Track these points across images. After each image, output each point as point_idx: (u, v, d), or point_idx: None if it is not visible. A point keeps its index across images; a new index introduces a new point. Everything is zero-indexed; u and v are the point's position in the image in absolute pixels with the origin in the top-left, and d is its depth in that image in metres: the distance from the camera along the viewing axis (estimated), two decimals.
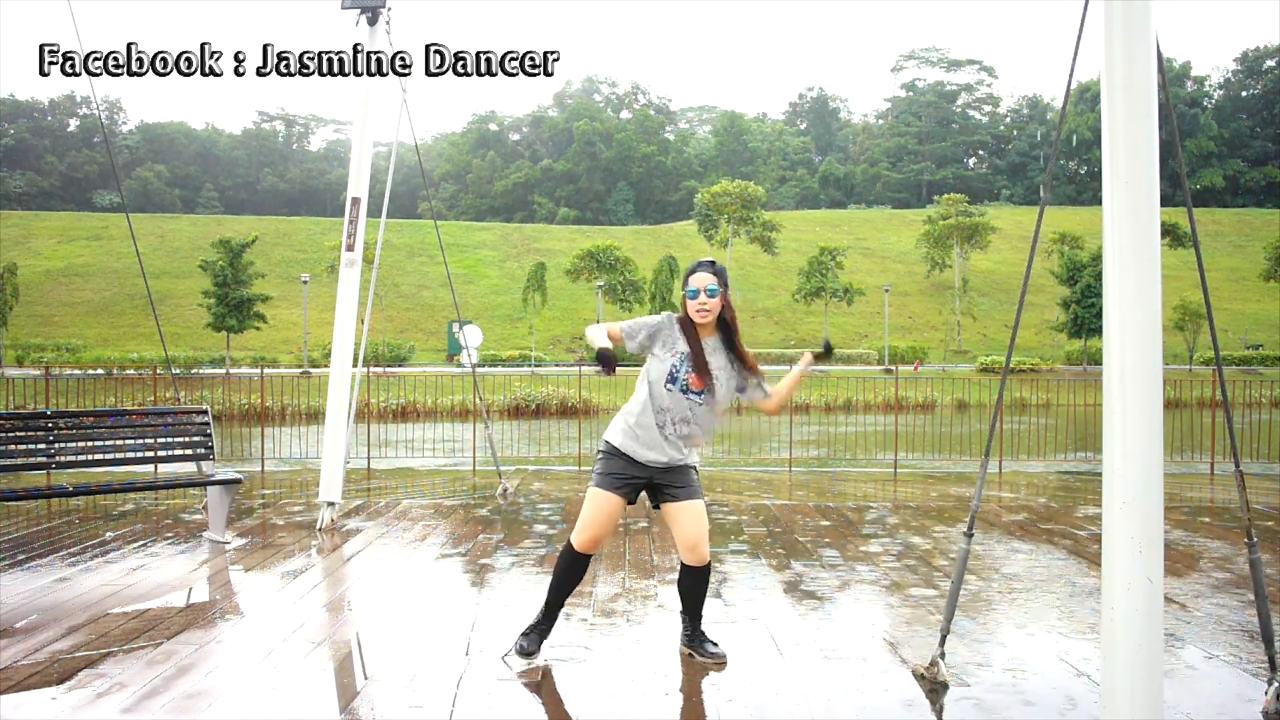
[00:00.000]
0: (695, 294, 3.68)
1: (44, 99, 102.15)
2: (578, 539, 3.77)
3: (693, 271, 3.73)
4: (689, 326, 3.73)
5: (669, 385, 3.68)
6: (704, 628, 4.04)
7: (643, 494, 3.88)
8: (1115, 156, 2.77)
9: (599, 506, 3.74)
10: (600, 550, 3.84)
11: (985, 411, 24.15)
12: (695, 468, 3.85)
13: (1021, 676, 3.76)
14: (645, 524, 7.00)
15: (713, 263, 3.75)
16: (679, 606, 4.03)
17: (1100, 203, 2.87)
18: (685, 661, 3.90)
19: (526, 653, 3.86)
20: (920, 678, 3.70)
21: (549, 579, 3.92)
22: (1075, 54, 3.54)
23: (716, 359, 3.74)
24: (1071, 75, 3.58)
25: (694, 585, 3.89)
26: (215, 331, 47.71)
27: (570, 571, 3.84)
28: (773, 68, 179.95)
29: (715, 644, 3.98)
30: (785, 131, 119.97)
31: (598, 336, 3.70)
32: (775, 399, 3.81)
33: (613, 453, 3.78)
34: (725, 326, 3.76)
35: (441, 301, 65.13)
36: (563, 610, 4.00)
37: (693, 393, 3.69)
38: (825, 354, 3.97)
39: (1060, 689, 3.62)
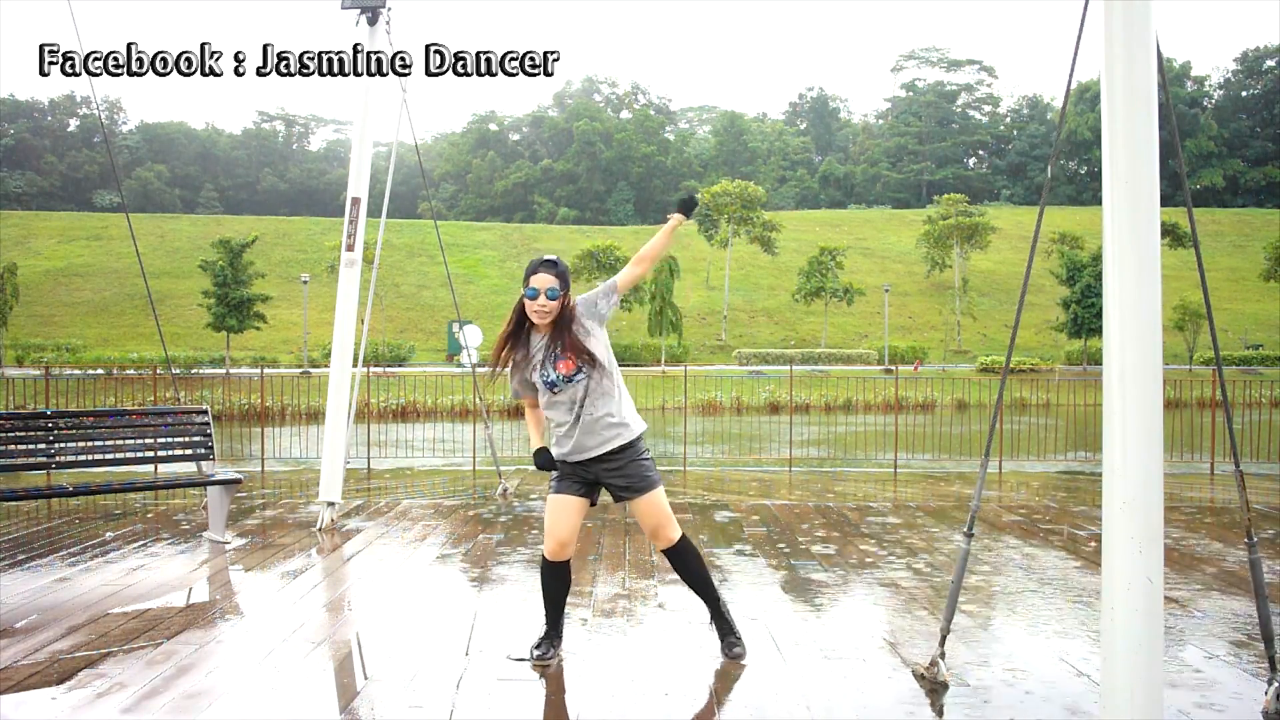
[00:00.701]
0: (535, 294, 3.62)
1: (44, 99, 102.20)
2: (546, 548, 3.83)
3: (534, 271, 3.65)
4: (526, 327, 3.72)
5: (552, 389, 3.70)
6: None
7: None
8: (1115, 156, 2.77)
9: (555, 511, 3.80)
10: (569, 555, 3.83)
11: (985, 411, 24.15)
12: (638, 444, 3.77)
13: (1021, 676, 3.76)
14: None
15: (555, 262, 3.67)
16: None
17: (1100, 203, 2.87)
18: (685, 661, 3.90)
19: (544, 661, 3.87)
20: (920, 678, 3.70)
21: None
22: (1075, 54, 3.54)
23: (569, 340, 3.68)
24: (1071, 75, 3.58)
25: (680, 567, 3.93)
26: (215, 331, 47.68)
27: (552, 581, 3.88)
28: (773, 68, 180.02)
29: (738, 639, 3.96)
30: (785, 131, 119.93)
31: (532, 438, 3.89)
32: (647, 253, 3.85)
33: (558, 466, 3.83)
34: (560, 323, 3.69)
35: (441, 301, 65.13)
36: (565, 614, 4.03)
37: (572, 378, 3.67)
38: (688, 205, 3.96)
39: (1060, 689, 3.62)
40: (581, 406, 3.70)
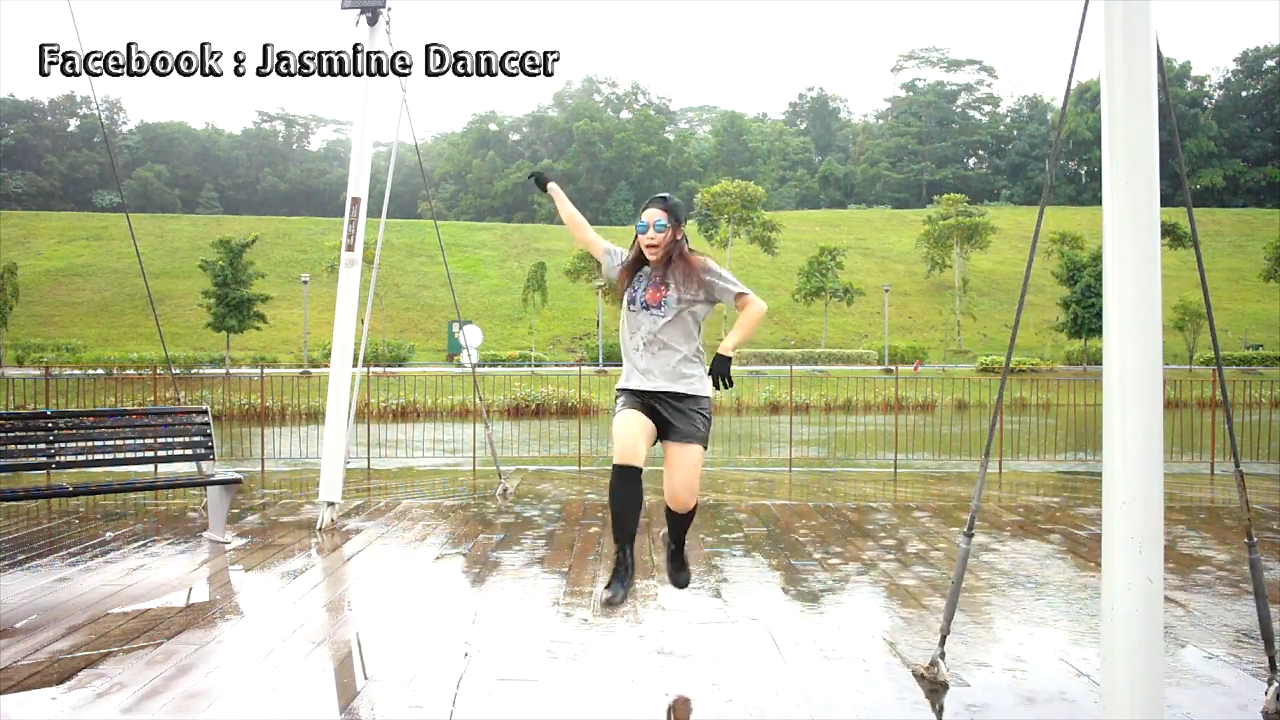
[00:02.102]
0: (645, 228, 3.77)
1: (44, 99, 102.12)
2: (616, 454, 3.64)
3: (646, 206, 3.82)
4: (641, 260, 3.84)
5: (630, 306, 3.79)
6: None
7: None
8: (1115, 156, 2.77)
9: (623, 422, 3.68)
10: (642, 460, 3.64)
11: (985, 411, 24.15)
12: (704, 402, 3.77)
13: (1021, 676, 3.76)
14: (645, 523, 7.00)
15: (665, 198, 3.82)
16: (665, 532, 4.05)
17: (1100, 203, 2.87)
18: (685, 661, 3.90)
19: (613, 602, 3.62)
20: (920, 678, 3.70)
21: (553, 577, 3.94)
22: (1075, 54, 3.54)
23: (668, 271, 3.76)
24: (1071, 75, 3.58)
25: (677, 525, 3.92)
26: (215, 331, 47.68)
27: (623, 492, 3.63)
28: (773, 68, 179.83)
29: (687, 572, 4.02)
30: (785, 131, 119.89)
31: (567, 207, 4.18)
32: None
33: (620, 391, 3.84)
34: (671, 259, 3.77)
35: (441, 301, 65.13)
36: (629, 557, 3.72)
37: (653, 308, 3.73)
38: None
39: (1060, 689, 3.62)
40: (650, 339, 3.72)
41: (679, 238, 3.80)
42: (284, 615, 4.57)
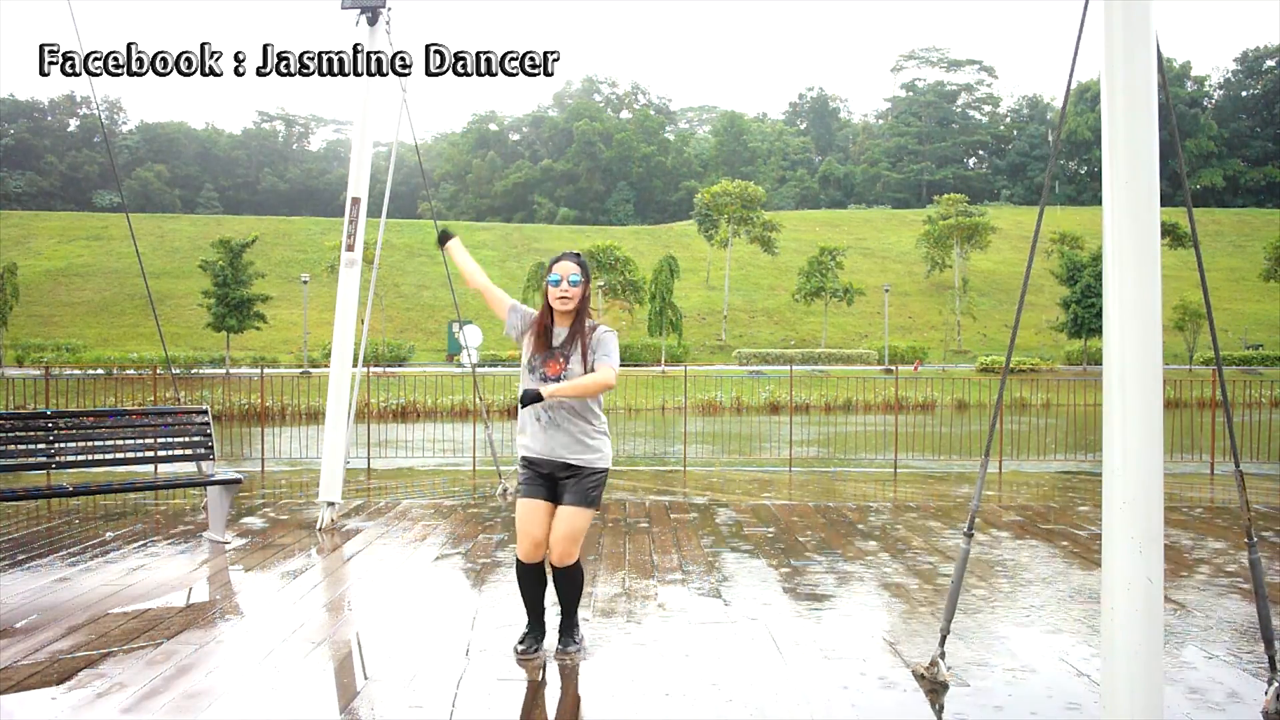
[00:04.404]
0: (558, 282, 3.82)
1: (44, 99, 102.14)
2: (520, 549, 3.89)
3: (557, 260, 3.88)
4: (547, 316, 3.87)
5: (530, 374, 3.84)
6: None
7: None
8: (1115, 156, 2.77)
9: (523, 514, 3.87)
10: (542, 556, 3.91)
11: (985, 411, 24.14)
12: (601, 474, 3.87)
13: (1021, 676, 3.76)
14: (645, 524, 7.00)
15: (577, 255, 3.92)
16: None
17: (1100, 203, 2.87)
18: (685, 661, 3.90)
19: (527, 654, 3.95)
20: (920, 678, 3.70)
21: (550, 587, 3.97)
22: (1075, 54, 3.54)
23: (570, 345, 3.83)
24: (1071, 75, 3.58)
25: (565, 583, 3.94)
26: (215, 331, 47.66)
27: (526, 581, 3.95)
28: (773, 68, 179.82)
29: (576, 642, 4.02)
30: (785, 131, 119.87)
31: (467, 265, 4.20)
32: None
33: (521, 462, 3.93)
34: (578, 318, 3.87)
35: (441, 301, 65.11)
36: (548, 613, 4.08)
37: (551, 380, 3.79)
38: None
39: (1060, 689, 3.62)
40: (550, 408, 3.80)
41: (587, 294, 3.88)
42: (284, 615, 4.57)
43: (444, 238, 4.30)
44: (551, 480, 3.86)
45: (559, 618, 4.06)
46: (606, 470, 3.90)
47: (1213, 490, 9.55)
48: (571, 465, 3.82)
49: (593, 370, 3.76)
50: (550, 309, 3.86)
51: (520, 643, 4.00)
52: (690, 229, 73.25)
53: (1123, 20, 2.76)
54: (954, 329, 63.97)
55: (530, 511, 3.84)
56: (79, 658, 3.87)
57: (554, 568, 3.89)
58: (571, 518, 3.80)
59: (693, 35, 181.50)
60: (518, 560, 3.91)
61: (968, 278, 64.83)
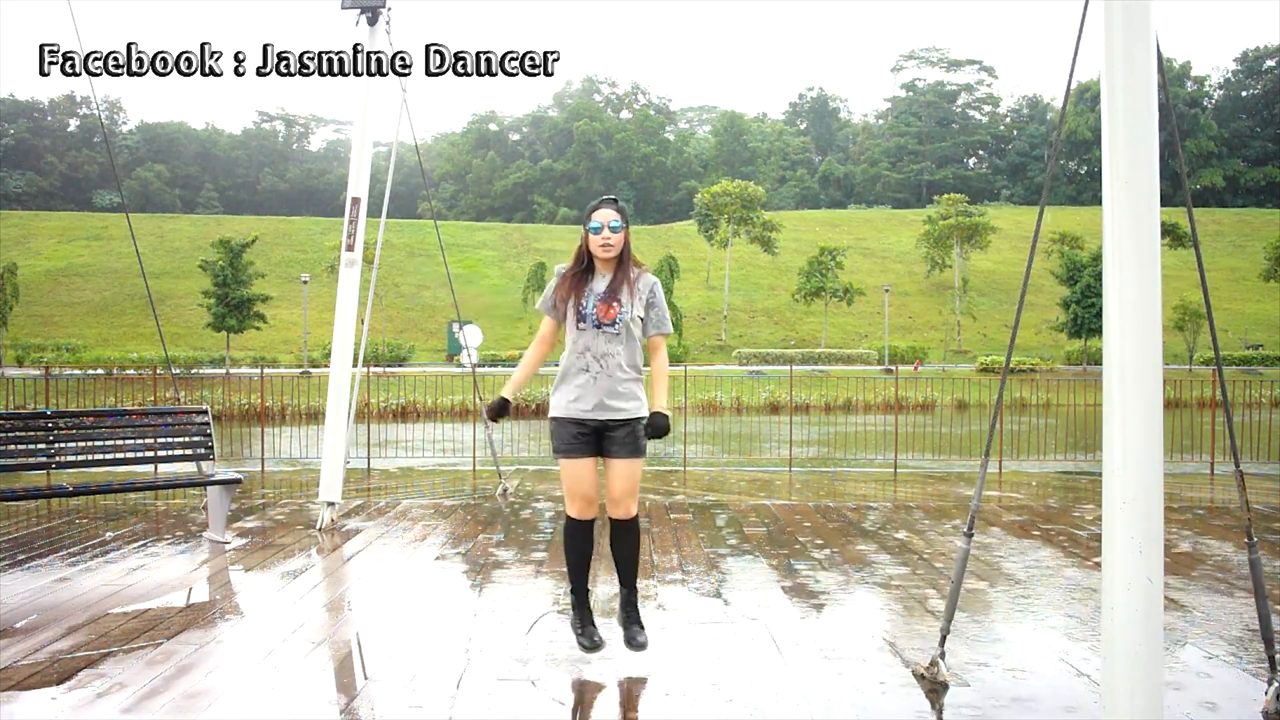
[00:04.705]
0: (599, 229, 3.72)
1: (44, 99, 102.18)
2: (569, 507, 3.83)
3: (596, 208, 3.77)
4: (589, 265, 3.78)
5: (581, 324, 3.74)
6: (640, 606, 4.02)
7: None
8: (1115, 156, 2.77)
9: (573, 474, 3.78)
10: (595, 513, 3.87)
11: (985, 411, 24.14)
12: (643, 420, 3.79)
13: (1021, 676, 3.76)
14: (645, 523, 7.00)
15: (615, 199, 3.80)
16: (616, 575, 4.00)
17: (1100, 203, 2.87)
18: (685, 661, 3.90)
19: (595, 646, 3.83)
20: (920, 678, 3.70)
21: (553, 577, 3.95)
22: (1075, 54, 3.53)
23: (619, 290, 3.76)
24: (1071, 75, 3.58)
25: (622, 540, 3.88)
26: (215, 331, 47.69)
27: (576, 540, 3.86)
28: (773, 68, 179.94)
29: (642, 628, 3.91)
30: (785, 131, 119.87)
31: (512, 379, 3.86)
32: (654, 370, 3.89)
33: (559, 421, 3.79)
34: (622, 264, 3.80)
35: (441, 301, 65.11)
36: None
37: (605, 326, 3.72)
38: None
39: (1060, 689, 3.62)
40: (602, 356, 3.72)
41: (628, 240, 3.79)
42: (284, 615, 4.57)
43: (502, 411, 3.86)
44: (597, 435, 3.77)
45: (622, 593, 3.94)
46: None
47: (1213, 490, 9.55)
48: (620, 417, 3.75)
49: (652, 328, 3.80)
50: (588, 258, 3.77)
51: (583, 636, 3.85)
52: (690, 229, 73.31)
53: (1123, 20, 2.76)
54: (954, 329, 63.98)
55: (582, 470, 3.75)
56: (79, 658, 3.87)
57: (616, 524, 3.83)
58: (631, 469, 3.77)
59: (693, 35, 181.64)
60: (569, 519, 3.82)
61: (968, 278, 64.85)
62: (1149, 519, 2.72)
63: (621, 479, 3.78)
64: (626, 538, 3.89)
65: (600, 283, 3.77)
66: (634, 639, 3.85)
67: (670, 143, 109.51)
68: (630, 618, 3.91)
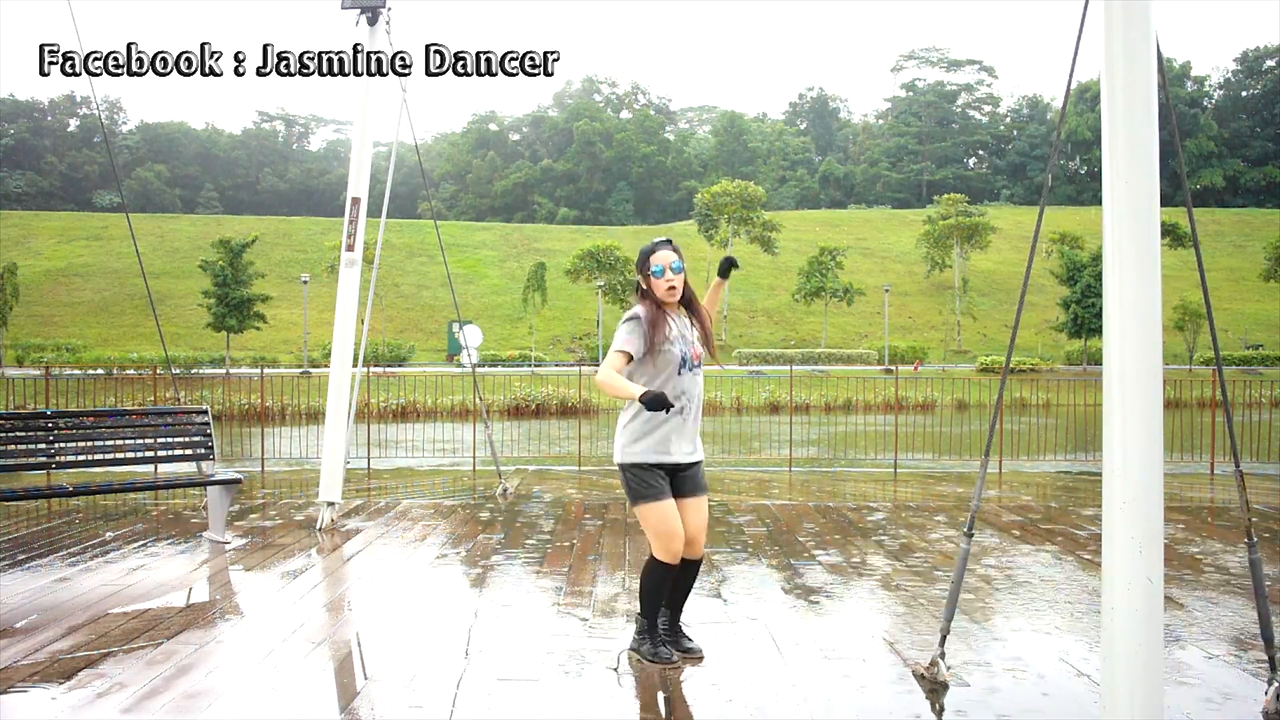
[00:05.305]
0: (661, 272, 3.72)
1: (44, 99, 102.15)
2: (668, 552, 3.70)
3: (652, 251, 3.76)
4: (661, 309, 3.75)
5: (682, 370, 3.73)
6: (689, 622, 4.11)
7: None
8: (1115, 156, 2.77)
9: (668, 517, 3.68)
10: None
11: (985, 411, 24.15)
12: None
13: (1021, 676, 3.76)
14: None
15: (669, 241, 3.81)
16: (648, 604, 3.91)
17: (1100, 203, 2.87)
18: (685, 661, 3.90)
19: (673, 660, 3.84)
20: (920, 678, 3.70)
21: (553, 577, 3.94)
22: (1075, 54, 3.53)
23: (694, 328, 3.83)
24: (1071, 75, 3.58)
25: (688, 578, 3.92)
26: (215, 331, 47.69)
27: (665, 586, 3.82)
28: (773, 68, 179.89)
29: (691, 639, 4.02)
30: (785, 131, 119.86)
31: (626, 386, 3.46)
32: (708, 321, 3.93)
33: (644, 467, 3.71)
34: (691, 303, 3.86)
35: (441, 301, 65.12)
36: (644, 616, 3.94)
37: (696, 368, 3.78)
38: (727, 269, 4.05)
39: (1060, 689, 3.62)
40: (697, 398, 3.78)
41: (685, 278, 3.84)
42: (284, 615, 4.57)
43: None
44: (671, 477, 3.76)
45: (670, 615, 3.96)
46: None
47: (1213, 490, 9.55)
48: (700, 458, 3.84)
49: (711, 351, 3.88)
50: (656, 302, 3.74)
51: (664, 649, 3.85)
52: (690, 229, 73.25)
53: (1123, 20, 2.76)
54: (954, 329, 63.98)
55: (674, 512, 3.70)
56: (79, 658, 3.87)
57: (688, 562, 3.84)
58: (705, 507, 3.85)
59: (693, 35, 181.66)
60: (662, 565, 3.71)
61: (968, 278, 64.84)
62: (1149, 519, 2.72)
63: (699, 515, 3.82)
64: (694, 572, 3.94)
65: (680, 323, 3.78)
66: (696, 650, 3.95)
67: (670, 143, 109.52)
68: (681, 632, 4.01)
